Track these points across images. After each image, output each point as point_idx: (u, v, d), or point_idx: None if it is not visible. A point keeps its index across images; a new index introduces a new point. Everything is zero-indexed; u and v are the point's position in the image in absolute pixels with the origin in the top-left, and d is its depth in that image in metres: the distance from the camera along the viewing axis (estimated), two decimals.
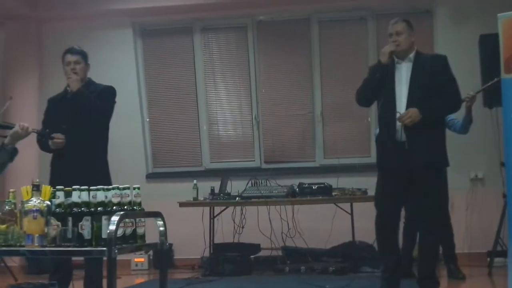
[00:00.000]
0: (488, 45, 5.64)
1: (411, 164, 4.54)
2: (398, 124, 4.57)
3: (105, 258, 2.71)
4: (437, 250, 4.93)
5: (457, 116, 5.92)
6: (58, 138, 4.64)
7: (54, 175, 4.67)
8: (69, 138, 4.65)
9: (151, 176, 7.91)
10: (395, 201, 4.73)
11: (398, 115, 4.57)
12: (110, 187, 2.98)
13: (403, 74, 4.71)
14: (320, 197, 6.57)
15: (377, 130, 5.15)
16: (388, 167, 4.70)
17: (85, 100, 4.68)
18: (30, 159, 6.75)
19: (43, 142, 4.76)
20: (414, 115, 4.52)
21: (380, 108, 4.83)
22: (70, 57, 4.78)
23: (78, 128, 4.64)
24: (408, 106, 4.58)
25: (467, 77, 6.40)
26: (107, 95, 4.85)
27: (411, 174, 4.60)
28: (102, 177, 4.47)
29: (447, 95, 4.68)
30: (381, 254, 4.92)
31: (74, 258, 4.58)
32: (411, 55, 4.74)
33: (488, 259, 6.22)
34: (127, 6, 7.66)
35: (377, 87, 4.73)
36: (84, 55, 4.84)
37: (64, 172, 4.53)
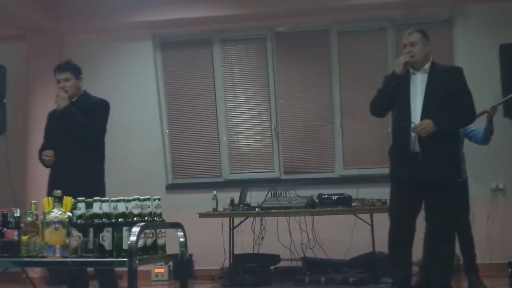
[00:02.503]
0: (509, 55, 5.61)
1: (425, 176, 4.52)
2: (413, 135, 4.54)
3: (126, 269, 2.72)
4: (451, 261, 4.86)
5: (478, 127, 5.89)
6: (46, 155, 4.71)
7: (49, 189, 4.67)
8: (57, 155, 4.69)
9: (171, 187, 7.93)
10: (408, 213, 4.66)
11: (412, 125, 4.55)
12: (131, 198, 2.99)
13: (418, 85, 4.68)
14: (340, 207, 6.53)
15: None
16: (401, 178, 4.65)
17: (70, 119, 4.67)
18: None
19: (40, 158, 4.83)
20: (429, 126, 4.49)
21: (394, 119, 4.81)
22: (59, 75, 4.79)
23: (66, 145, 4.66)
24: (423, 117, 4.55)
25: (487, 88, 6.39)
26: (97, 110, 4.81)
27: (424, 186, 4.57)
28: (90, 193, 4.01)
29: (461, 107, 4.65)
30: (392, 266, 4.87)
31: (88, 269, 4.60)
32: (427, 66, 4.71)
33: (510, 269, 6.16)
34: (147, 19, 7.71)
35: (392, 97, 4.71)
36: (74, 71, 4.82)
37: (54, 187, 4.55)
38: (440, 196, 4.58)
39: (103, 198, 2.99)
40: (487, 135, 5.86)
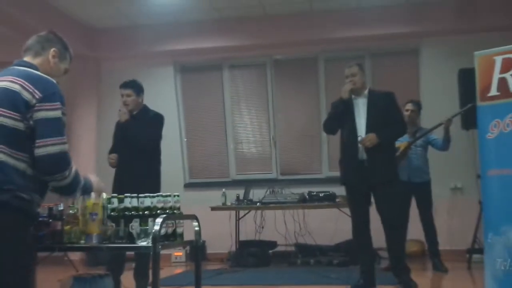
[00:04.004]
0: (466, 78, 5.57)
1: (370, 180, 4.61)
2: (360, 146, 4.62)
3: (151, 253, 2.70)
4: (403, 244, 4.90)
5: (439, 136, 5.87)
6: (111, 158, 4.67)
7: (114, 184, 4.64)
8: (120, 159, 4.65)
9: (188, 186, 7.91)
10: (362, 209, 4.73)
11: (359, 138, 4.63)
12: (155, 194, 2.97)
13: (360, 108, 4.77)
14: (326, 203, 6.53)
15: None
16: (352, 183, 4.74)
17: (129, 131, 4.62)
18: (91, 171, 6.79)
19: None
20: (373, 139, 4.59)
21: (342, 135, 4.86)
22: (123, 91, 4.72)
23: (127, 151, 4.62)
24: (367, 132, 4.65)
25: (448, 105, 6.35)
26: (154, 122, 4.74)
27: (370, 186, 4.66)
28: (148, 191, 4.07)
29: (396, 124, 4.78)
30: (359, 251, 4.88)
31: (128, 253, 4.58)
32: (365, 92, 4.82)
33: (467, 255, 6.11)
34: (170, 48, 7.73)
35: (340, 119, 4.79)
36: (136, 88, 4.72)
37: (119, 184, 4.53)
38: (384, 194, 4.67)
39: (133, 195, 2.96)
40: (446, 143, 5.85)
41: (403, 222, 4.87)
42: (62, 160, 2.25)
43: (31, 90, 2.25)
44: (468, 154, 6.39)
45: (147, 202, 2.91)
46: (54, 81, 2.35)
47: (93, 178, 2.60)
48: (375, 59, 7.61)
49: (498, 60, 3.29)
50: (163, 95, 7.83)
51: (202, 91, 8.12)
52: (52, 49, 2.50)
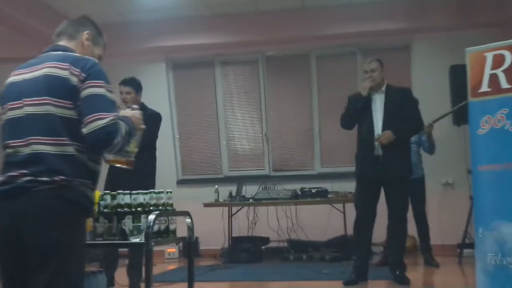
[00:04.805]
0: (457, 75, 5.61)
1: (385, 175, 4.64)
2: (376, 143, 4.64)
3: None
4: (404, 241, 4.93)
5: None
6: None
7: (107, 181, 4.61)
8: None
9: (181, 182, 7.89)
10: (371, 204, 4.75)
11: (376, 135, 4.63)
12: (147, 191, 2.97)
13: (378, 104, 4.78)
14: (318, 199, 6.55)
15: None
16: (366, 177, 4.76)
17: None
18: None
19: None
20: (390, 136, 4.61)
21: (360, 131, 4.86)
22: (122, 88, 4.69)
23: None
24: (384, 129, 4.67)
25: (439, 101, 6.38)
26: (152, 121, 4.61)
27: (383, 181, 4.69)
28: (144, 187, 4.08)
29: (412, 119, 4.79)
30: (357, 245, 4.89)
31: (120, 250, 4.57)
32: (383, 88, 4.81)
33: (458, 250, 6.15)
34: (161, 45, 7.69)
35: (359, 115, 4.79)
36: (135, 86, 4.70)
37: (112, 183, 4.49)
38: (396, 190, 4.71)
39: (125, 192, 2.95)
40: (430, 148, 5.89)
41: (406, 220, 4.88)
42: (109, 135, 2.10)
43: (77, 73, 2.12)
44: (459, 149, 6.43)
45: (140, 198, 2.91)
46: (96, 60, 2.24)
47: (129, 114, 2.38)
48: (366, 56, 7.55)
49: (489, 56, 3.30)
50: (155, 92, 7.78)
51: (194, 87, 8.10)
52: (86, 32, 2.39)
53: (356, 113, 4.79)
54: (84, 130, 2.08)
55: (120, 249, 4.59)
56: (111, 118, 2.10)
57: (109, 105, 2.14)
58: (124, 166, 2.51)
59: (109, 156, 2.38)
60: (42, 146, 2.07)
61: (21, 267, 2.04)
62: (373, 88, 4.76)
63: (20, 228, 2.02)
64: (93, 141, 2.10)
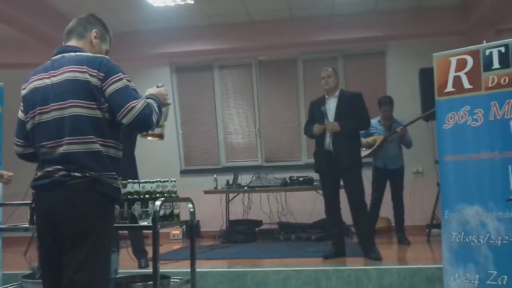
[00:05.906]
0: (426, 77, 5.60)
1: (336, 166, 4.74)
2: (327, 140, 4.77)
3: (151, 231, 2.70)
4: (369, 221, 5.06)
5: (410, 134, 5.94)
6: None
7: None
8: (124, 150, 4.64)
9: (184, 172, 7.88)
10: (333, 192, 4.87)
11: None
12: (154, 180, 2.98)
13: (331, 106, 4.89)
14: (305, 186, 6.55)
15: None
16: (322, 170, 4.88)
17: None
18: None
19: None
20: (335, 126, 4.75)
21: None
22: None
23: (129, 143, 4.58)
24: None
25: (410, 101, 6.39)
26: None
27: (338, 172, 4.78)
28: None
29: (359, 117, 4.85)
30: (330, 226, 5.07)
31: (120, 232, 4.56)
32: (337, 93, 4.92)
33: (427, 230, 6.18)
34: (166, 50, 7.67)
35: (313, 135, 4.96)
36: None
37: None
38: (350, 179, 4.80)
39: (135, 181, 2.96)
40: (406, 144, 5.90)
41: (365, 202, 4.94)
42: (147, 117, 2.10)
43: (94, 74, 2.10)
44: (428, 142, 6.45)
45: (148, 187, 2.92)
46: (106, 57, 2.20)
47: (155, 91, 2.36)
48: (347, 60, 7.63)
49: (454, 60, 3.34)
50: None
51: (195, 88, 8.08)
52: (94, 30, 2.32)
53: (311, 138, 5.04)
54: (124, 121, 2.09)
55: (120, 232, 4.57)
56: (142, 102, 2.12)
57: (134, 93, 2.15)
58: (157, 139, 2.52)
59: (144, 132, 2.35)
60: (72, 146, 2.08)
61: (57, 248, 2.08)
62: (329, 92, 4.90)
63: (58, 215, 2.07)
64: (135, 127, 2.15)
